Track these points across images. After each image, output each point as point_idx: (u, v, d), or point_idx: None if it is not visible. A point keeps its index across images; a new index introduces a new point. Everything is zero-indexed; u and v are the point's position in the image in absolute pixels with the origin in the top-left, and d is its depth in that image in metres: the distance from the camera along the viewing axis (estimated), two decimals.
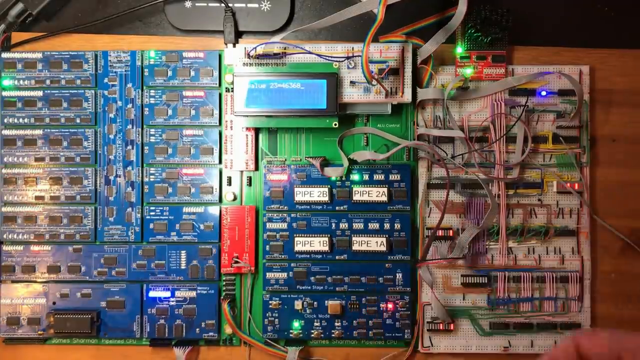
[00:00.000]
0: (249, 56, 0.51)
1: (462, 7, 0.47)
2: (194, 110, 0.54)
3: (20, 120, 0.55)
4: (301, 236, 0.53)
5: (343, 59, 0.51)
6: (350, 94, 0.52)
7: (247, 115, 0.51)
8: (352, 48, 0.51)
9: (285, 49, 0.51)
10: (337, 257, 0.54)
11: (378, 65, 0.51)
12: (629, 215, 0.55)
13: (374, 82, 0.50)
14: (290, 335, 0.54)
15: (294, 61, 0.52)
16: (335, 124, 0.52)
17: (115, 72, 0.55)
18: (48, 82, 0.55)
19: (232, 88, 0.53)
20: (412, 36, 0.52)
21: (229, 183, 0.55)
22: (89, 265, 0.54)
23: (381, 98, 0.52)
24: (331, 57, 0.51)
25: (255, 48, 0.51)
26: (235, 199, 0.55)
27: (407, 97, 0.52)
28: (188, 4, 0.55)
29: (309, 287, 0.54)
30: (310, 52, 0.51)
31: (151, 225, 0.54)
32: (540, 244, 0.54)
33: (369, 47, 0.47)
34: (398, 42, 0.52)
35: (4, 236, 0.55)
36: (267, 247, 0.54)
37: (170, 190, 0.54)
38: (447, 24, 0.51)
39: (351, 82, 0.52)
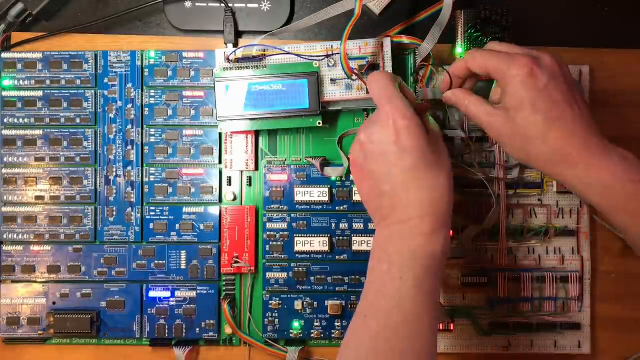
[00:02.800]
0: (228, 60, 0.51)
1: None
2: (194, 110, 0.54)
3: (20, 120, 0.55)
4: (301, 236, 0.53)
5: (322, 58, 0.51)
6: (332, 92, 0.51)
7: (230, 120, 0.51)
8: (332, 46, 0.51)
9: (264, 51, 0.51)
10: (337, 257, 0.54)
11: (358, 61, 0.51)
12: None
13: (354, 76, 0.49)
14: (290, 335, 0.54)
15: (275, 62, 0.51)
16: (319, 123, 0.51)
17: (115, 72, 0.55)
18: (48, 82, 0.55)
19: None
20: (410, 36, 0.52)
21: (229, 183, 0.55)
22: (89, 265, 0.54)
23: (363, 94, 0.51)
24: (310, 56, 0.51)
25: (234, 52, 0.51)
26: (235, 199, 0.55)
27: None
28: (188, 4, 0.55)
29: (309, 287, 0.54)
30: (289, 53, 0.51)
31: (151, 225, 0.54)
32: (540, 244, 0.54)
33: (346, 42, 0.47)
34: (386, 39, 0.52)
35: (4, 236, 0.55)
36: (267, 247, 0.54)
37: (170, 190, 0.54)
38: (438, 18, 0.50)
39: (332, 80, 0.51)
